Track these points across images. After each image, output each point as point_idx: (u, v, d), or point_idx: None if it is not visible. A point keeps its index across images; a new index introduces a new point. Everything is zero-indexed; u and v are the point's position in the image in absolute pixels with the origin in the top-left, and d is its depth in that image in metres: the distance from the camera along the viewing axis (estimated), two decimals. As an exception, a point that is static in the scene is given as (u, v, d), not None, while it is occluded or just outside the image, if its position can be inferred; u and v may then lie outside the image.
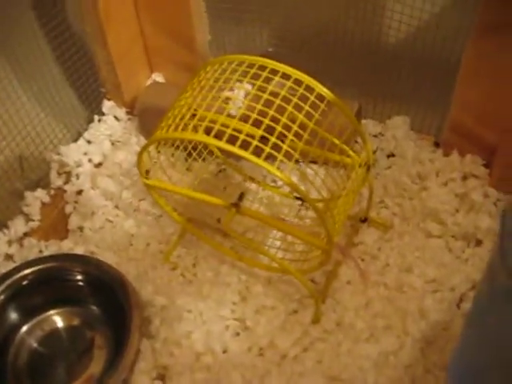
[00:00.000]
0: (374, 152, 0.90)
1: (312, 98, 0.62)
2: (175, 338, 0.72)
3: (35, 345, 0.76)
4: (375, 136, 0.92)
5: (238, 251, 0.80)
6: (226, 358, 0.71)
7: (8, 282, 0.75)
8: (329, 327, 0.73)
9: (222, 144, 0.57)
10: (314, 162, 0.83)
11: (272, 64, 0.64)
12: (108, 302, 0.75)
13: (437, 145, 0.90)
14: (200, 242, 0.82)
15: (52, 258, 0.79)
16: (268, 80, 0.63)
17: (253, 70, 0.63)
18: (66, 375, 0.73)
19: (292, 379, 0.68)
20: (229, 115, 0.62)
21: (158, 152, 0.78)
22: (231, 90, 0.72)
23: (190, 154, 0.82)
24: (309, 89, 0.63)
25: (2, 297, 0.74)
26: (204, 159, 0.86)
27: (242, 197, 0.66)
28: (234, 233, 0.71)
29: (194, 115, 0.64)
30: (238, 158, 0.88)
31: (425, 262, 0.77)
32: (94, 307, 0.78)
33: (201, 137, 0.59)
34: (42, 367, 0.74)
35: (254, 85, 0.62)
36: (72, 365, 0.74)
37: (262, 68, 0.64)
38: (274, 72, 0.64)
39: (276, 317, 0.74)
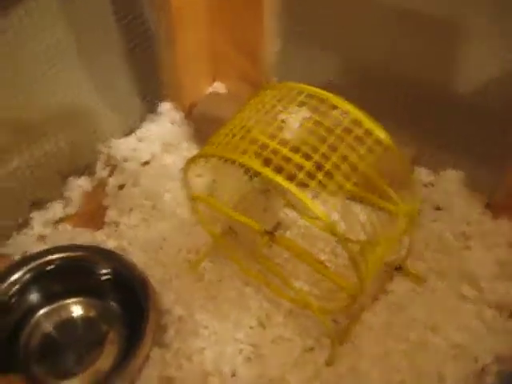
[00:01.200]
0: (422, 202, 0.88)
1: (369, 141, 0.61)
2: (187, 351, 0.71)
3: (50, 329, 0.76)
4: (426, 186, 0.90)
5: (267, 276, 0.78)
6: (233, 382, 0.69)
7: (35, 263, 0.75)
8: (342, 371, 0.70)
9: (268, 172, 0.56)
10: (356, 200, 0.83)
11: (333, 99, 0.63)
12: (128, 301, 0.75)
13: (488, 206, 0.87)
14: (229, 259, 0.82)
15: (81, 247, 0.79)
16: (326, 113, 0.62)
17: (312, 101, 0.63)
18: (74, 365, 0.73)
19: (295, 419, 0.66)
20: (280, 142, 0.61)
21: (206, 162, 0.78)
22: (286, 117, 0.72)
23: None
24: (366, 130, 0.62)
25: (27, 276, 0.75)
26: (250, 177, 0.85)
27: (277, 227, 0.65)
28: (264, 259, 0.70)
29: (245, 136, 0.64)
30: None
31: (452, 324, 0.74)
32: (113, 303, 0.78)
33: (248, 161, 0.58)
34: (52, 353, 0.74)
35: (310, 116, 0.61)
36: (82, 356, 0.74)
37: (322, 100, 0.63)
38: (334, 106, 0.63)
39: (291, 350, 0.72)
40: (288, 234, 0.84)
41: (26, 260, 0.77)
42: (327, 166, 0.57)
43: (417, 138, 0.89)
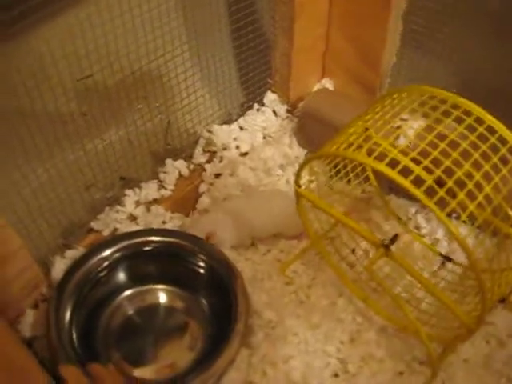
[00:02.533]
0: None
1: (495, 158, 0.55)
2: (274, 358, 0.67)
3: (132, 313, 0.74)
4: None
5: (364, 289, 0.74)
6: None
7: (129, 242, 0.73)
8: (433, 403, 0.66)
9: (396, 176, 0.52)
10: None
11: (466, 105, 0.58)
12: (218, 297, 0.72)
13: None
14: (321, 264, 0.77)
15: (180, 234, 0.76)
16: (458, 121, 0.57)
17: (443, 107, 0.58)
18: (151, 353, 0.70)
19: None
20: (402, 151, 0.56)
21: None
22: (413, 124, 0.67)
23: (336, 173, 0.77)
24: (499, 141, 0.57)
25: (118, 254, 0.73)
26: (349, 181, 0.81)
27: (395, 239, 0.60)
28: (376, 275, 0.66)
29: (367, 138, 0.59)
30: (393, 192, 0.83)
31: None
32: (202, 298, 0.75)
33: (377, 164, 0.53)
34: (132, 336, 0.72)
35: (440, 123, 0.57)
36: (160, 345, 0.71)
37: (454, 107, 0.58)
38: (466, 113, 0.58)
39: (380, 372, 0.68)
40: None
41: (119, 238, 0.75)
42: (469, 186, 0.51)
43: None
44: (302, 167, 0.63)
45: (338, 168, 0.75)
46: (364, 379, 0.67)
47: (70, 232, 0.80)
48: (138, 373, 0.69)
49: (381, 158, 0.54)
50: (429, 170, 0.53)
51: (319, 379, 0.66)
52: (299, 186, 0.65)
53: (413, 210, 0.83)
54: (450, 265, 0.75)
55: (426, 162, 0.53)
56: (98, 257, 0.72)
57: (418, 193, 0.50)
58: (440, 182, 0.52)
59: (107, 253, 0.73)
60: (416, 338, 0.69)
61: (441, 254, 0.74)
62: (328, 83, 0.94)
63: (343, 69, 0.92)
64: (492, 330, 0.73)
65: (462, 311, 0.58)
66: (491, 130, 0.57)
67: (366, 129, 0.61)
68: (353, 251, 0.76)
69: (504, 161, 0.56)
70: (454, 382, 0.67)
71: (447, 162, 0.53)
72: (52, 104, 0.70)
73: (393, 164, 0.53)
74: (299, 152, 0.90)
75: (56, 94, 0.70)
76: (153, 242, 0.74)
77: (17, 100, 0.67)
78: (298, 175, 0.64)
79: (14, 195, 0.71)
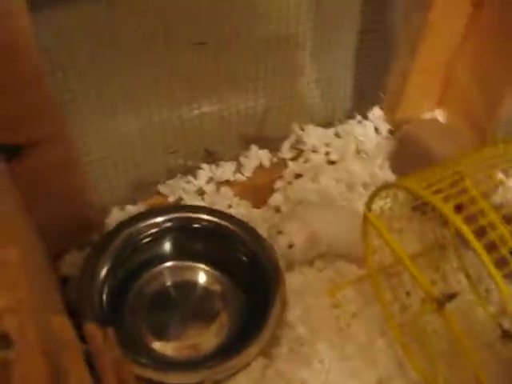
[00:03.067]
0: None
1: None
2: (290, 377, 0.63)
3: (168, 284, 0.73)
4: None
5: (407, 336, 0.68)
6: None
7: (183, 214, 0.73)
8: None
9: (477, 246, 0.47)
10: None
11: None
12: (255, 290, 0.70)
13: None
14: (374, 297, 0.72)
15: (234, 220, 0.74)
16: None
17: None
18: (176, 330, 0.69)
19: None
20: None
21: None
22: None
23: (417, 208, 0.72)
24: None
25: (169, 224, 0.72)
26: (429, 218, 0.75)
27: (452, 297, 0.55)
28: (418, 329, 0.60)
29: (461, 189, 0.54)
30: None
31: None
32: (240, 286, 0.73)
33: (460, 223, 0.48)
34: (161, 309, 0.71)
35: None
36: (187, 324, 0.69)
37: None
38: None
39: (398, 428, 0.63)
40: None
41: (174, 208, 0.75)
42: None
43: None
44: (377, 191, 0.59)
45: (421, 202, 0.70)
46: (378, 431, 0.63)
47: (137, 188, 0.79)
48: (158, 346, 0.68)
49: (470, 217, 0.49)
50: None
51: (330, 414, 0.62)
52: (369, 210, 0.61)
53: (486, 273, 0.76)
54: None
55: None
56: (149, 222, 0.72)
57: (476, 245, 0.44)
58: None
59: (158, 220, 0.72)
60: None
61: (500, 326, 0.67)
62: (440, 115, 0.88)
63: (461, 103, 0.85)
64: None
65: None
66: None
67: (461, 177, 0.56)
68: (407, 294, 0.70)
69: None
70: None
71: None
72: (162, 59, 0.70)
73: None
74: (388, 176, 0.85)
75: (169, 53, 0.69)
76: (203, 220, 0.73)
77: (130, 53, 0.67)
78: (370, 198, 0.60)
79: (101, 136, 0.72)
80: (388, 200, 0.62)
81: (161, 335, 0.68)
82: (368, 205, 0.61)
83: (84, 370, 0.36)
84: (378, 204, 0.62)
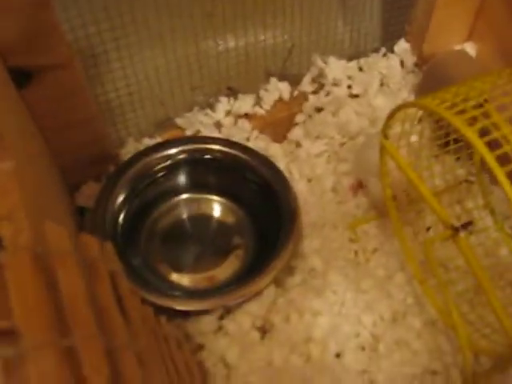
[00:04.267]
0: None
1: None
2: (302, 306, 0.62)
3: (184, 217, 0.72)
4: None
5: (427, 271, 0.66)
6: (333, 363, 0.60)
7: (195, 146, 0.71)
8: (456, 417, 0.59)
9: (487, 154, 0.44)
10: None
11: None
12: (269, 220, 0.69)
13: None
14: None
15: (250, 150, 0.72)
16: None
17: None
18: (192, 262, 0.69)
19: None
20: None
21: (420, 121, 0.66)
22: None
23: (447, 144, 0.69)
24: None
25: (182, 156, 0.71)
26: (459, 158, 0.72)
27: (467, 226, 0.53)
28: (431, 255, 0.58)
29: (480, 105, 0.51)
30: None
31: None
32: (254, 216, 0.72)
33: (472, 135, 0.46)
34: (177, 241, 0.71)
35: None
36: (203, 257, 0.69)
37: None
38: None
39: (411, 363, 0.61)
40: (471, 239, 0.70)
41: (184, 139, 0.73)
42: None
43: None
44: (394, 112, 0.56)
45: (449, 138, 0.67)
46: (390, 364, 0.61)
47: (156, 122, 0.78)
48: (175, 277, 0.68)
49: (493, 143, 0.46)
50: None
51: (340, 346, 0.61)
52: (386, 137, 0.58)
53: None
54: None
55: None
56: (161, 155, 0.71)
57: (498, 171, 0.42)
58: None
59: (171, 152, 0.71)
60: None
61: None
62: (471, 48, 0.83)
63: (494, 35, 0.80)
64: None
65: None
66: None
67: (485, 100, 0.53)
68: (427, 229, 0.68)
69: None
70: (489, 402, 0.60)
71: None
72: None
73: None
74: (413, 111, 0.81)
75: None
76: (218, 151, 0.71)
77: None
78: (387, 122, 0.57)
79: (126, 72, 0.72)
80: (407, 125, 0.59)
81: (177, 267, 0.68)
82: (384, 131, 0.58)
83: (77, 279, 0.35)
84: (395, 131, 0.60)
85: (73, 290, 0.35)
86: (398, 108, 0.55)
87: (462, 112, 0.50)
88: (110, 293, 0.39)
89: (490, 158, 0.45)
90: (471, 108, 0.50)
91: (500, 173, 0.44)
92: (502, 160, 0.46)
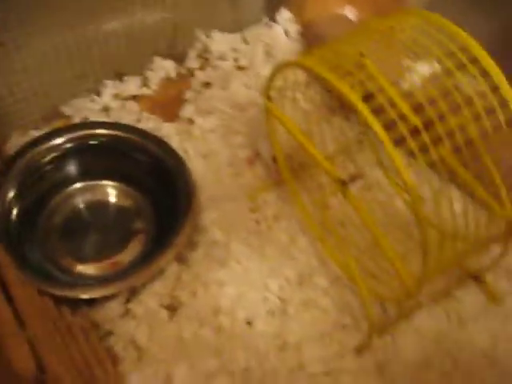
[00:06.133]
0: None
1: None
2: (207, 279, 0.62)
3: (80, 206, 0.70)
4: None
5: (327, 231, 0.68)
6: (244, 331, 0.60)
7: (79, 133, 0.69)
8: (368, 366, 0.60)
9: (368, 115, 0.45)
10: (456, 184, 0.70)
11: (481, 54, 0.50)
12: (167, 200, 0.68)
13: None
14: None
15: (137, 130, 0.71)
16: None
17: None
18: (95, 250, 0.68)
19: (297, 396, 0.57)
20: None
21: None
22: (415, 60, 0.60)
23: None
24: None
25: (69, 145, 0.69)
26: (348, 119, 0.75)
27: (354, 179, 0.54)
28: (322, 207, 0.60)
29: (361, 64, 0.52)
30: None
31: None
32: (151, 196, 0.71)
33: (352, 96, 0.46)
34: (76, 231, 0.69)
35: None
36: (105, 243, 0.68)
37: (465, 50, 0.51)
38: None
39: (320, 321, 0.63)
40: (366, 194, 0.72)
41: (70, 128, 0.71)
42: (439, 129, 0.45)
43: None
44: (273, 74, 0.56)
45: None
46: (301, 324, 0.62)
47: (42, 113, 0.76)
48: (80, 268, 0.66)
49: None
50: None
51: (250, 312, 0.62)
52: (269, 100, 0.59)
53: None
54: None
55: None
56: (45, 147, 0.69)
57: (375, 125, 0.43)
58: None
59: (56, 142, 0.69)
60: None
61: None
62: (350, 12, 0.85)
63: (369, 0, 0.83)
64: (457, 306, 0.66)
65: (405, 270, 0.52)
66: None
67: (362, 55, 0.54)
68: (321, 189, 0.70)
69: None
70: (397, 348, 0.62)
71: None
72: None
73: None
74: (302, 78, 0.83)
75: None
76: (104, 135, 0.70)
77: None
78: (268, 85, 0.57)
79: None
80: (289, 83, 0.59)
81: (80, 257, 0.67)
82: (266, 91, 0.58)
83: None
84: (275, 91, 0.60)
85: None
86: (278, 68, 0.55)
87: (338, 67, 0.51)
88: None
89: (372, 119, 0.46)
90: (348, 64, 0.52)
91: (379, 129, 0.46)
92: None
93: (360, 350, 0.61)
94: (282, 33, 0.85)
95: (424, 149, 0.46)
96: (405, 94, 0.50)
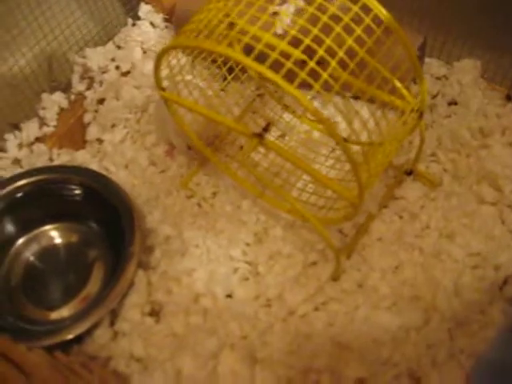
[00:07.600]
0: (434, 96, 0.79)
1: (367, 19, 0.51)
2: (175, 273, 0.64)
3: (32, 258, 0.70)
4: (438, 78, 0.80)
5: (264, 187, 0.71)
6: (228, 304, 0.63)
7: (4, 191, 0.69)
8: (348, 287, 0.64)
9: (250, 62, 0.47)
10: (358, 98, 0.74)
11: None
12: (109, 222, 0.69)
13: (508, 97, 0.77)
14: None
15: (51, 168, 0.72)
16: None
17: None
18: (62, 293, 0.68)
19: (296, 340, 0.59)
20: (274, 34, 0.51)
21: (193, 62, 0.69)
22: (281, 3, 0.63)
23: (229, 72, 0.72)
24: (365, 9, 0.53)
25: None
26: (242, 82, 0.77)
27: (268, 127, 0.57)
28: (249, 167, 0.62)
29: (231, 25, 0.54)
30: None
31: (471, 230, 0.66)
32: (94, 225, 0.72)
33: (237, 55, 0.48)
34: (38, 283, 0.69)
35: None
36: (69, 283, 0.69)
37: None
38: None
39: (291, 267, 0.66)
40: (287, 140, 0.76)
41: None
42: (320, 52, 0.47)
43: (425, 25, 0.79)
44: (157, 65, 0.58)
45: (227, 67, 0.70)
46: (275, 277, 0.65)
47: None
48: (55, 315, 0.67)
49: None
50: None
51: (226, 286, 0.64)
52: (163, 90, 0.61)
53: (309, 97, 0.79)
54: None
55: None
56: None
57: (262, 68, 0.46)
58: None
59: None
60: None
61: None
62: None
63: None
64: (404, 204, 0.71)
65: (343, 187, 0.55)
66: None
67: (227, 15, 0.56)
68: (241, 148, 0.72)
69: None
70: (368, 263, 0.66)
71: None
72: None
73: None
74: (186, 60, 0.85)
75: None
76: (26, 184, 0.70)
77: None
78: (155, 77, 0.59)
79: None
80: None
81: (51, 305, 0.67)
82: (157, 83, 0.60)
83: None
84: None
85: None
86: (158, 59, 0.57)
87: (211, 34, 0.53)
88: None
89: (258, 65, 0.48)
90: (220, 28, 0.53)
91: (268, 72, 0.48)
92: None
93: (336, 277, 0.65)
94: (148, 26, 0.86)
95: (315, 78, 0.48)
96: (281, 37, 0.52)
